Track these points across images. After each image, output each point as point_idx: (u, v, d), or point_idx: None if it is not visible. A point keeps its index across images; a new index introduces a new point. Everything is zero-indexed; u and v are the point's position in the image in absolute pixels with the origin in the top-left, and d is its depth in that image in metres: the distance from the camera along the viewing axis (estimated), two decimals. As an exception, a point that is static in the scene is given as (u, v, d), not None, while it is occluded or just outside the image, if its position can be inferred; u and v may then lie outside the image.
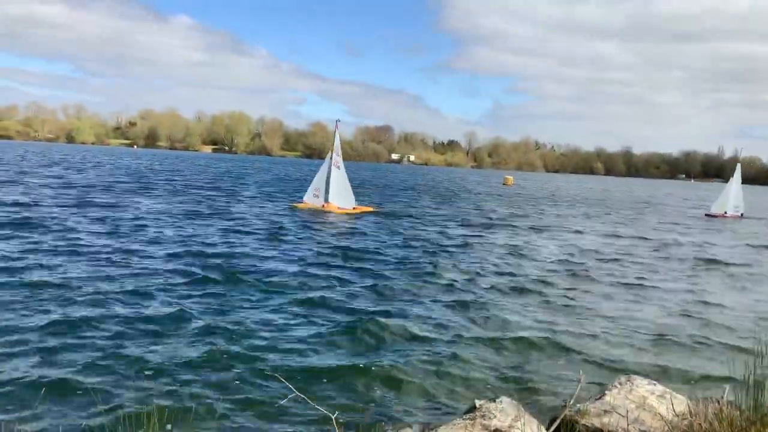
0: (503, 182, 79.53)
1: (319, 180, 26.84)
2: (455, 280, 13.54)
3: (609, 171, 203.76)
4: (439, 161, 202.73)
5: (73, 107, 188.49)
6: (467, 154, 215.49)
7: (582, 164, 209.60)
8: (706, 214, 38.24)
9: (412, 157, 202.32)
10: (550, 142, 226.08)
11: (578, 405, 5.93)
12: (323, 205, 26.48)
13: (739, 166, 37.87)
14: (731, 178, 37.91)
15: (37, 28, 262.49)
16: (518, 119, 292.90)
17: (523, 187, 73.33)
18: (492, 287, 13.04)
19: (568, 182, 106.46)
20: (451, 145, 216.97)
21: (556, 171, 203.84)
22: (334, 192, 26.38)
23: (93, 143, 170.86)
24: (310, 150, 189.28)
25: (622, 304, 12.21)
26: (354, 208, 26.77)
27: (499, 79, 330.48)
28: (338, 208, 26.32)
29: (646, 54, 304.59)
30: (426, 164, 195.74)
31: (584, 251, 19.09)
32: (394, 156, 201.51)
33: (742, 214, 37.28)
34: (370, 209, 28.29)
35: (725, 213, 36.96)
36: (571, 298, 12.42)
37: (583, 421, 5.70)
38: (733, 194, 37.19)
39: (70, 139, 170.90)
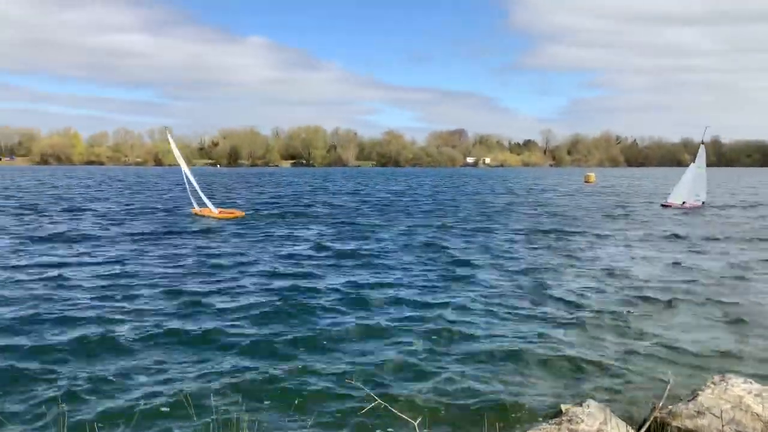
0: (584, 180, 77.33)
1: (188, 186, 27.91)
2: (536, 287, 13.35)
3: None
4: (515, 162, 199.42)
5: (158, 131, 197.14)
6: (545, 152, 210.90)
7: (668, 156, 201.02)
8: (662, 204, 34.90)
9: (487, 160, 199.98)
10: (632, 135, 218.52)
11: (669, 407, 5.75)
12: (201, 210, 27.53)
13: (702, 148, 33.94)
14: (691, 164, 34.08)
15: (121, 58, 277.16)
16: (597, 114, 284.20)
17: (615, 186, 70.95)
18: (571, 291, 12.77)
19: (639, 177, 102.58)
20: (528, 144, 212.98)
21: (641, 165, 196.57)
22: (202, 196, 27.35)
23: (179, 165, 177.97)
24: (385, 158, 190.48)
25: (711, 305, 11.70)
26: (219, 213, 27.43)
27: (575, 75, 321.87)
28: (219, 212, 27.22)
29: (730, 37, 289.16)
30: (502, 165, 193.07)
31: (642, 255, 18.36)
32: (469, 159, 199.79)
33: (703, 203, 33.85)
34: (239, 214, 28.11)
35: (684, 202, 33.47)
36: (653, 300, 12.02)
37: (674, 423, 5.52)
38: (693, 181, 33.59)
39: (158, 162, 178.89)
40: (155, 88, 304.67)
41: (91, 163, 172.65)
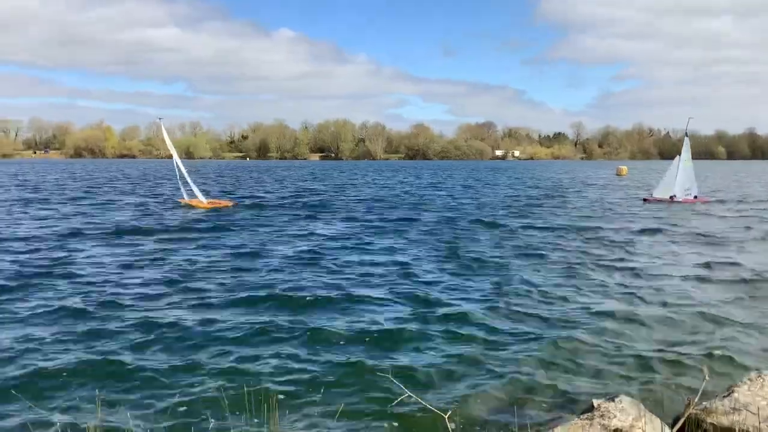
0: (616, 173, 76.96)
1: (179, 178, 28.90)
2: (567, 283, 13.24)
3: (731, 155, 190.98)
4: (545, 155, 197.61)
5: (189, 125, 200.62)
6: (575, 145, 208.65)
7: (702, 149, 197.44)
8: (645, 199, 33.20)
9: (517, 153, 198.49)
10: (665, 128, 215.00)
11: (704, 403, 5.67)
12: (190, 201, 28.64)
13: (686, 141, 31.91)
14: (677, 157, 31.92)
15: (152, 53, 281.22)
16: (628, 107, 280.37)
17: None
18: (602, 287, 12.62)
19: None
20: (558, 137, 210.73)
21: (674, 158, 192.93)
22: (193, 187, 28.37)
23: (210, 158, 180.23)
24: (413, 152, 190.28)
25: (744, 298, 11.48)
26: (208, 203, 28.75)
27: (606, 67, 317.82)
28: (209, 202, 28.49)
29: (764, 28, 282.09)
30: (532, 158, 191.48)
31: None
32: (498, 152, 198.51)
33: (695, 197, 31.95)
34: (228, 204, 29.59)
35: (672, 197, 31.39)
36: (685, 293, 11.86)
37: (709, 420, 5.44)
38: (681, 175, 31.44)
39: (189, 155, 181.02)
40: (187, 82, 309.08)
41: (123, 156, 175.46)
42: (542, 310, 10.60)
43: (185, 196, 28.99)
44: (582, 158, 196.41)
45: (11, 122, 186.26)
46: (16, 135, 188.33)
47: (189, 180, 28.05)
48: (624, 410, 5.52)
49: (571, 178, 68.39)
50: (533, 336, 9.10)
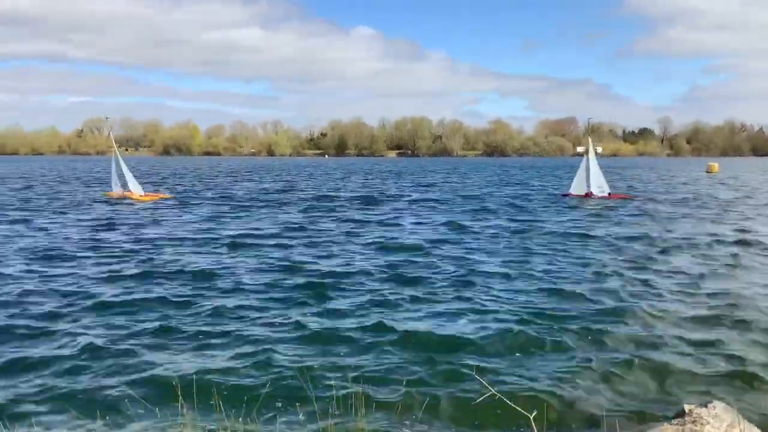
0: (707, 170, 73.92)
1: (115, 172, 31.25)
2: (663, 286, 12.85)
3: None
4: (629, 151, 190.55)
5: (271, 123, 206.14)
6: (662, 141, 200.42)
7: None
8: (563, 194, 34.98)
9: (599, 149, 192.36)
10: (758, 123, 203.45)
11: (806, 412, 5.45)
12: (124, 193, 30.78)
13: (590, 140, 33.30)
14: (585, 156, 33.09)
15: (236, 53, 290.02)
16: (719, 101, 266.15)
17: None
18: (698, 291, 12.12)
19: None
20: (643, 133, 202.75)
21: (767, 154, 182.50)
22: (131, 181, 30.60)
23: (290, 155, 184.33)
24: (491, 148, 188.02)
25: None
26: (145, 195, 30.68)
27: (695, 60, 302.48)
28: (139, 195, 30.31)
29: None
30: (615, 155, 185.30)
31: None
32: (580, 149, 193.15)
33: (609, 194, 32.25)
34: (164, 196, 32.03)
35: (588, 194, 32.35)
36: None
37: (811, 430, 5.23)
38: (593, 172, 32.48)
39: (270, 153, 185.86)
40: (268, 81, 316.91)
41: (208, 154, 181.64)
42: (633, 312, 10.31)
43: (117, 189, 31.19)
44: (668, 155, 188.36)
45: (105, 121, 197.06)
46: (109, 133, 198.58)
47: (127, 174, 30.46)
48: (717, 416, 5.39)
49: (661, 177, 65.83)
50: (623, 339, 8.91)
